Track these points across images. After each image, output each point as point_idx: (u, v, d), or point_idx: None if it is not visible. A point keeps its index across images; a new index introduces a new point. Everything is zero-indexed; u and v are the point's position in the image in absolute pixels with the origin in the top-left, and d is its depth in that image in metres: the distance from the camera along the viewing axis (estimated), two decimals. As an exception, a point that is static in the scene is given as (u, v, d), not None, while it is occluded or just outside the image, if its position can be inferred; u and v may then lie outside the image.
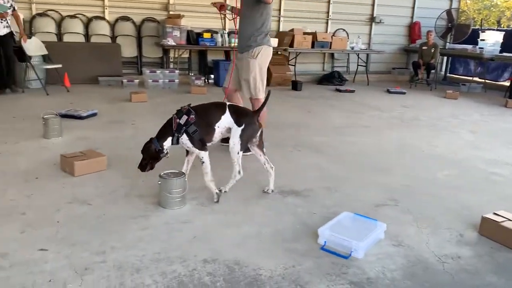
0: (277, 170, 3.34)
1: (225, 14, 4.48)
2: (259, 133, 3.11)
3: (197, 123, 2.90)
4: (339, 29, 10.58)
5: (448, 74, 11.87)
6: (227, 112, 3.01)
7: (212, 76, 8.86)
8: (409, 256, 2.46)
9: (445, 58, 11.59)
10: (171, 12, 8.74)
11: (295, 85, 8.65)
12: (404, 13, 11.36)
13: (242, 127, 2.98)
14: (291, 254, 2.40)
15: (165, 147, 2.93)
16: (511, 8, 24.88)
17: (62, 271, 2.13)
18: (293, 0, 9.93)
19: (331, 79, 9.73)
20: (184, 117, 2.89)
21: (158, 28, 8.74)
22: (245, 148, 3.07)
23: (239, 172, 3.06)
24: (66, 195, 3.03)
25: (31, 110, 5.52)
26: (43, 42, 7.17)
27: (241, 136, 2.97)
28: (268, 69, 4.33)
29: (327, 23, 10.53)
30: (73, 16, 8.21)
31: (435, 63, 9.88)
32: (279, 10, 9.89)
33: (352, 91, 8.67)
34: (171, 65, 8.74)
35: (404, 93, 8.82)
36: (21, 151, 3.95)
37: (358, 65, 10.18)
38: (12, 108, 5.73)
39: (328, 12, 10.45)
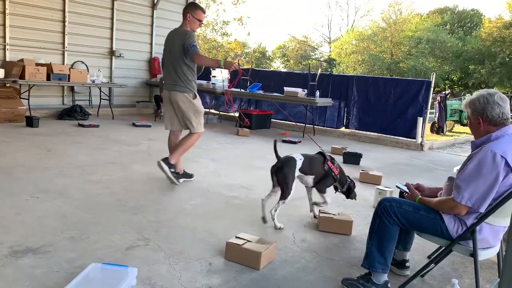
0: (7, 226, 2.82)
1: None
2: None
3: None
4: (77, 61, 10.08)
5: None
6: None
7: None
8: (163, 297, 2.41)
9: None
10: None
11: (30, 121, 7.71)
12: (144, 48, 11.71)
13: None
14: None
15: None
16: (234, 49, 29.78)
17: None
18: (22, 28, 8.94)
19: (73, 113, 9.11)
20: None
21: None
22: None
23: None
24: None
25: None
26: None
27: None
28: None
29: (63, 54, 9.88)
30: None
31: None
32: (4, 37, 8.74)
33: (97, 126, 8.31)
34: None
35: (149, 126, 8.98)
36: None
37: (101, 98, 9.86)
38: None
39: (64, 44, 9.83)
